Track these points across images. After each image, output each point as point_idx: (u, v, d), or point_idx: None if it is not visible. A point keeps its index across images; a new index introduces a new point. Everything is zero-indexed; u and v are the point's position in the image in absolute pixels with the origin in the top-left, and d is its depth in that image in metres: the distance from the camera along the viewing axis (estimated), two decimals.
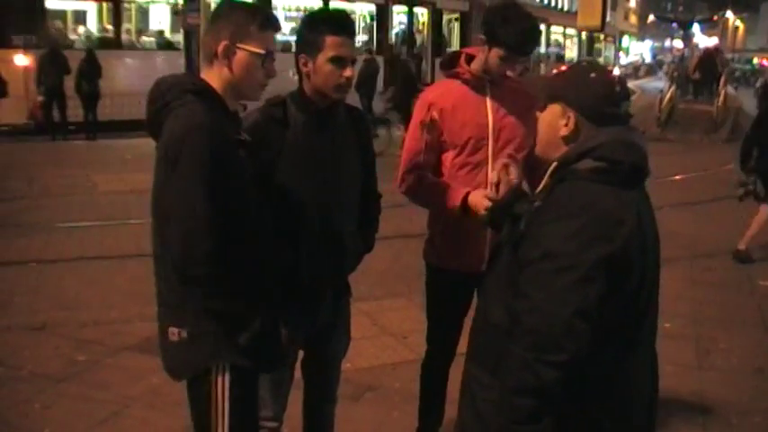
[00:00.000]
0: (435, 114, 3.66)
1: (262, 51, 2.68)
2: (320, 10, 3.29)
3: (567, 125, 2.40)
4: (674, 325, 6.26)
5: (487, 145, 3.62)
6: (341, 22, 3.18)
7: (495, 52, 3.52)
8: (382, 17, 25.13)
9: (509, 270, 2.40)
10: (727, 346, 6.11)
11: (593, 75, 2.46)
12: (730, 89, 34.46)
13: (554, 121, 2.43)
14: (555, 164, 2.41)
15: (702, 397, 5.17)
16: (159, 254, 2.63)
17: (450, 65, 3.78)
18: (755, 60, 75.07)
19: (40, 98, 16.66)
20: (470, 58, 3.70)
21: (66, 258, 8.00)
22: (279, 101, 3.22)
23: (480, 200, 3.38)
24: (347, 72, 3.13)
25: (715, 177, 14.14)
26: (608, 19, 30.47)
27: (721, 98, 27.06)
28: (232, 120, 2.71)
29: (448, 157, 3.70)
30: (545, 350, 2.17)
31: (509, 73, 3.69)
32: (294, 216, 3.08)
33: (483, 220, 3.23)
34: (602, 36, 42.69)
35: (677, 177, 14.27)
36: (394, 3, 25.31)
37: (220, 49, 2.65)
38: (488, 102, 3.65)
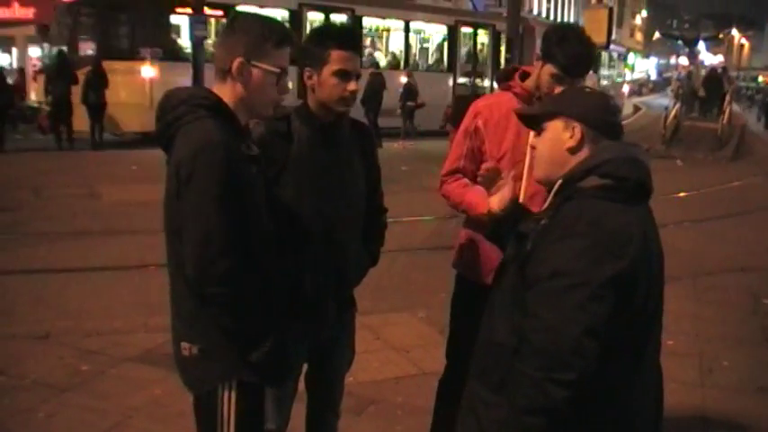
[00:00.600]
0: (480, 123, 3.69)
1: (277, 70, 2.65)
2: (326, 25, 3.30)
3: (572, 136, 2.42)
4: (678, 342, 6.26)
5: (524, 162, 3.61)
6: (346, 37, 3.20)
7: (548, 69, 3.52)
8: (453, 38, 26.45)
9: (515, 289, 2.39)
10: (730, 365, 6.10)
11: (587, 89, 2.55)
12: (735, 107, 34.49)
13: (557, 136, 2.45)
14: (560, 182, 2.43)
15: (705, 415, 5.16)
16: (173, 269, 2.62)
17: (504, 78, 3.82)
18: (761, 78, 75.18)
19: (47, 108, 16.76)
20: (526, 76, 3.72)
21: (71, 268, 8.01)
22: (283, 115, 3.23)
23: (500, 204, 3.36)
24: (351, 86, 3.15)
25: (719, 195, 14.16)
26: (613, 36, 30.57)
27: (726, 116, 27.10)
28: (243, 135, 2.69)
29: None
30: (554, 369, 2.17)
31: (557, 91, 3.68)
32: (298, 230, 3.08)
33: (487, 229, 3.25)
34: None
35: (681, 195, 14.28)
36: (462, 25, 26.72)
37: (235, 65, 2.61)
38: None
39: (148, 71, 18.21)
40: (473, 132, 3.73)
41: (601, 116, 2.44)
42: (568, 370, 2.16)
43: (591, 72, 4.08)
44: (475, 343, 3.71)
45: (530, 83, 3.66)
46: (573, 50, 3.50)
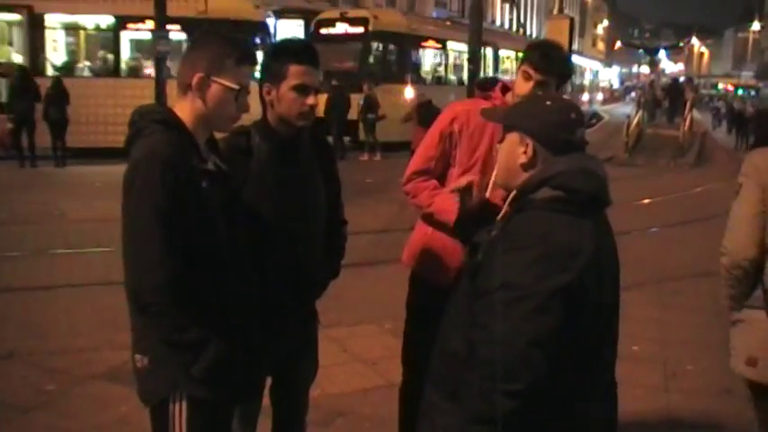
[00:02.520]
0: (456, 128, 3.71)
1: (236, 86, 2.68)
2: (284, 40, 3.32)
3: (525, 152, 2.42)
4: (642, 348, 6.32)
5: (491, 175, 3.63)
6: (305, 52, 3.22)
7: (522, 70, 3.58)
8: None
9: (467, 299, 2.41)
10: (694, 368, 6.18)
11: (548, 103, 2.51)
12: (696, 114, 35.05)
13: (512, 149, 2.46)
14: (514, 193, 2.45)
15: (670, 419, 5.21)
16: (125, 282, 2.64)
17: (485, 87, 3.84)
18: (720, 85, 76.29)
19: (10, 125, 16.54)
20: (507, 90, 3.75)
21: (34, 286, 7.91)
22: (243, 130, 3.24)
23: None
24: (310, 100, 3.17)
25: (682, 201, 14.33)
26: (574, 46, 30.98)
27: (687, 123, 27.46)
28: (198, 150, 2.70)
29: (453, 173, 3.71)
30: (501, 380, 2.18)
31: (530, 91, 3.66)
32: (259, 244, 3.08)
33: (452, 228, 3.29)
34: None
35: (645, 202, 14.44)
36: (485, 46, 26.74)
37: (195, 80, 2.65)
38: None
39: None
40: (448, 136, 3.74)
41: (554, 134, 2.42)
42: (515, 381, 2.18)
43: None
44: (431, 348, 3.71)
45: (509, 98, 3.68)
46: (544, 50, 3.59)
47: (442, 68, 27.67)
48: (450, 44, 27.49)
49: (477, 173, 3.61)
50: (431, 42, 27.07)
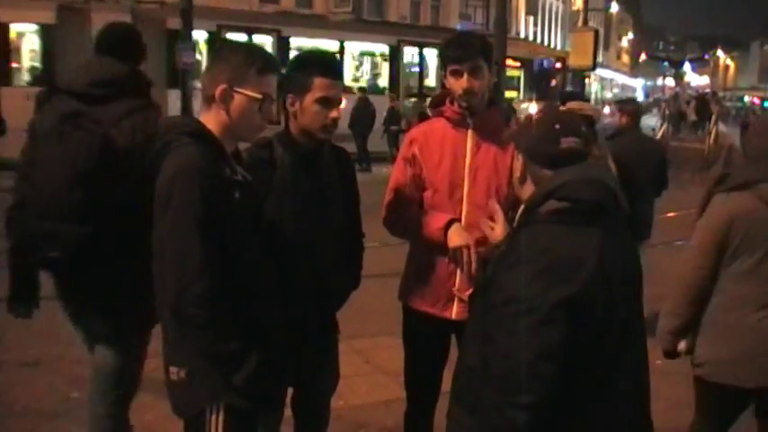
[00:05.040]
0: (416, 150, 3.70)
1: (259, 96, 2.69)
2: (309, 51, 3.36)
3: (519, 168, 2.53)
4: (666, 362, 6.25)
5: (462, 186, 3.62)
6: (329, 64, 3.25)
7: (449, 71, 3.59)
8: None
9: (480, 314, 2.43)
10: None
11: (536, 116, 2.59)
12: (722, 127, 34.82)
13: (517, 165, 2.57)
14: (523, 207, 2.48)
15: None
16: (159, 294, 2.65)
17: (437, 104, 3.84)
18: (746, 98, 75.68)
19: None
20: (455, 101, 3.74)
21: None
22: (265, 142, 3.25)
23: (459, 239, 3.42)
24: (334, 113, 3.19)
25: None
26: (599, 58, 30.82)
27: (712, 136, 27.28)
28: (229, 161, 2.72)
29: (427, 196, 3.72)
30: (512, 393, 2.20)
31: (465, 83, 3.63)
32: (280, 256, 3.10)
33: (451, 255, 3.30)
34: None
35: (670, 215, 14.32)
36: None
37: (218, 92, 2.67)
38: (469, 136, 3.64)
39: None
40: (411, 159, 3.74)
41: (536, 148, 2.48)
42: (526, 394, 2.19)
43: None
44: (433, 372, 3.74)
45: (457, 105, 3.68)
46: (454, 42, 3.60)
47: None
48: None
49: (445, 189, 3.65)
50: None
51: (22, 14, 22.11)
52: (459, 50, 3.55)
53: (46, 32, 22.77)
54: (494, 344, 2.28)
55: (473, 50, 3.57)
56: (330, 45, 25.77)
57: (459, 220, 3.53)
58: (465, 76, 3.54)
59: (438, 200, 3.67)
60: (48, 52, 22.57)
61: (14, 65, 23.76)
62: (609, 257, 2.36)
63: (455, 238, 3.48)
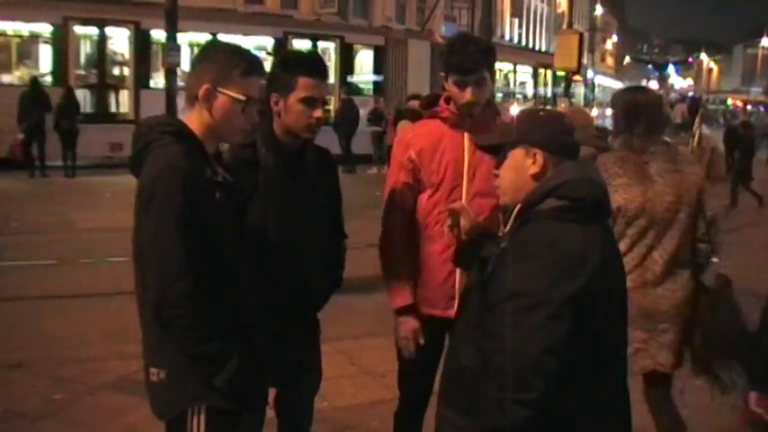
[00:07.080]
0: (413, 153, 3.68)
1: (242, 98, 2.68)
2: (294, 51, 3.34)
3: (534, 163, 2.46)
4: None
5: (461, 185, 3.63)
6: (314, 64, 3.25)
7: (451, 80, 3.57)
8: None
9: (479, 312, 2.43)
10: (703, 384, 6.13)
11: (541, 114, 2.64)
12: (705, 129, 35.06)
13: (520, 163, 2.49)
14: (519, 206, 2.47)
15: None
16: (140, 294, 2.64)
17: (430, 105, 3.83)
18: (729, 101, 76.18)
19: (20, 136, 16.60)
20: (450, 100, 3.74)
21: (44, 296, 7.95)
22: (249, 141, 3.25)
23: (404, 330, 3.60)
24: (317, 113, 3.20)
25: None
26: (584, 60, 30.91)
27: (696, 138, 27.43)
28: (210, 161, 2.72)
29: (423, 197, 3.71)
30: (514, 389, 2.19)
31: (470, 96, 3.61)
32: (263, 256, 3.09)
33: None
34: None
35: None
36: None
37: (201, 92, 2.66)
38: (466, 137, 3.63)
39: None
40: (408, 163, 3.70)
41: (559, 139, 2.50)
42: (529, 390, 2.19)
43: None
44: (428, 371, 3.74)
45: (453, 106, 3.66)
46: (464, 52, 3.54)
47: None
48: None
49: (446, 188, 3.64)
50: None
51: None
52: (464, 62, 3.53)
53: None
54: (496, 339, 2.27)
55: (479, 63, 3.57)
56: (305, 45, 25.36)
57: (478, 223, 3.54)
58: (470, 89, 3.56)
59: (436, 199, 3.69)
60: None
61: None
62: (609, 254, 2.41)
63: (402, 328, 3.67)
